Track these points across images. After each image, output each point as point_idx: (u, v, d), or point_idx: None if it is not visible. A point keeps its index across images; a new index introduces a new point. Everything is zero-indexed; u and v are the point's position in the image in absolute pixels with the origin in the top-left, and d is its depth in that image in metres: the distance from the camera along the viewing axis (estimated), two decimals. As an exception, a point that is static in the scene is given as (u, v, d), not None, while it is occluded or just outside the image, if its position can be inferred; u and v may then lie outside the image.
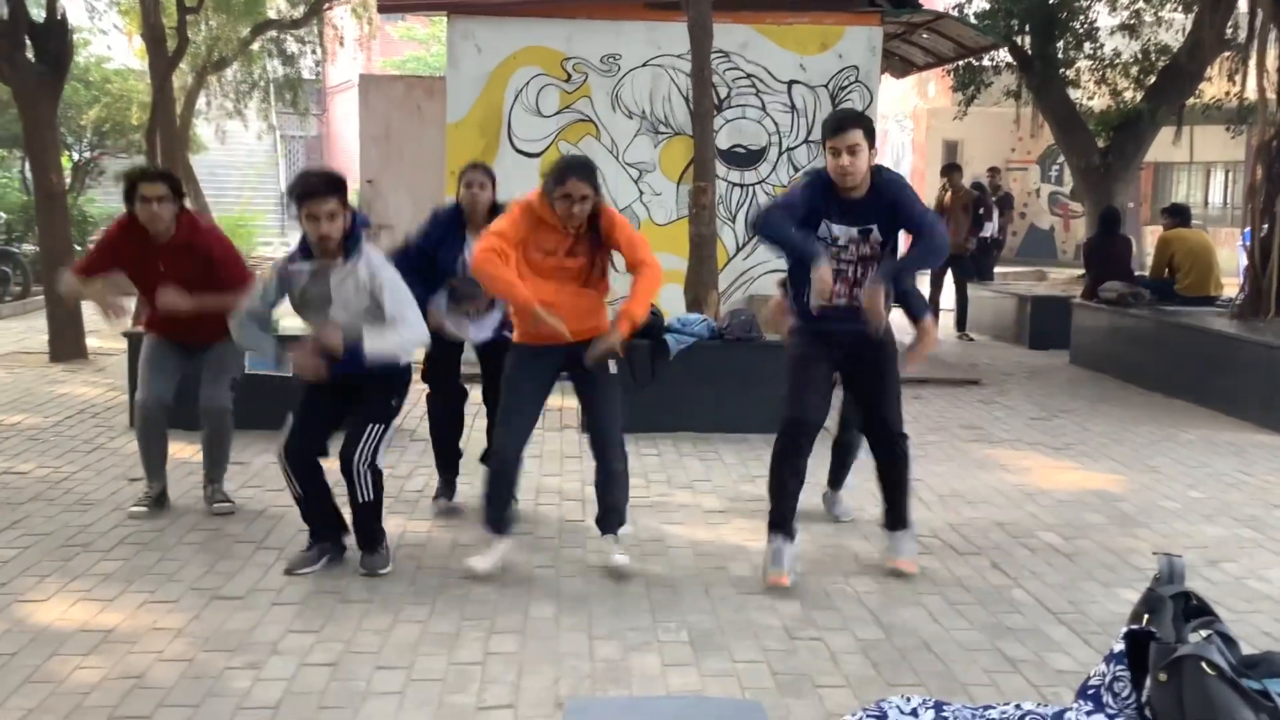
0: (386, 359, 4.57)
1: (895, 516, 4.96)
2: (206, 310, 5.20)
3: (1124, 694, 2.21)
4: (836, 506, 5.68)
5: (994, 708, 2.20)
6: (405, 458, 6.54)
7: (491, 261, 4.52)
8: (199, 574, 4.68)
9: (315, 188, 4.48)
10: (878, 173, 4.66)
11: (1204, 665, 2.11)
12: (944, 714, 2.16)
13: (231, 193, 24.82)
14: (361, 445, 4.64)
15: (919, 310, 4.89)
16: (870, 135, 4.57)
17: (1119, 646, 2.22)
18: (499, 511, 4.77)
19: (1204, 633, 2.17)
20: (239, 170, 28.76)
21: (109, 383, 8.77)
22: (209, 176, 20.98)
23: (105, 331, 10.09)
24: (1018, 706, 2.22)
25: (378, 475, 4.71)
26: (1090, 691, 2.20)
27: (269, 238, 24.27)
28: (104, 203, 18.24)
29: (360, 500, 4.69)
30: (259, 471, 6.27)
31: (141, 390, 5.52)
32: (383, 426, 4.71)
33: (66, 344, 9.86)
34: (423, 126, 10.66)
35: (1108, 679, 2.20)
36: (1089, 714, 2.18)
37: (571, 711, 2.58)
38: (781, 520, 4.72)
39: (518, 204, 4.70)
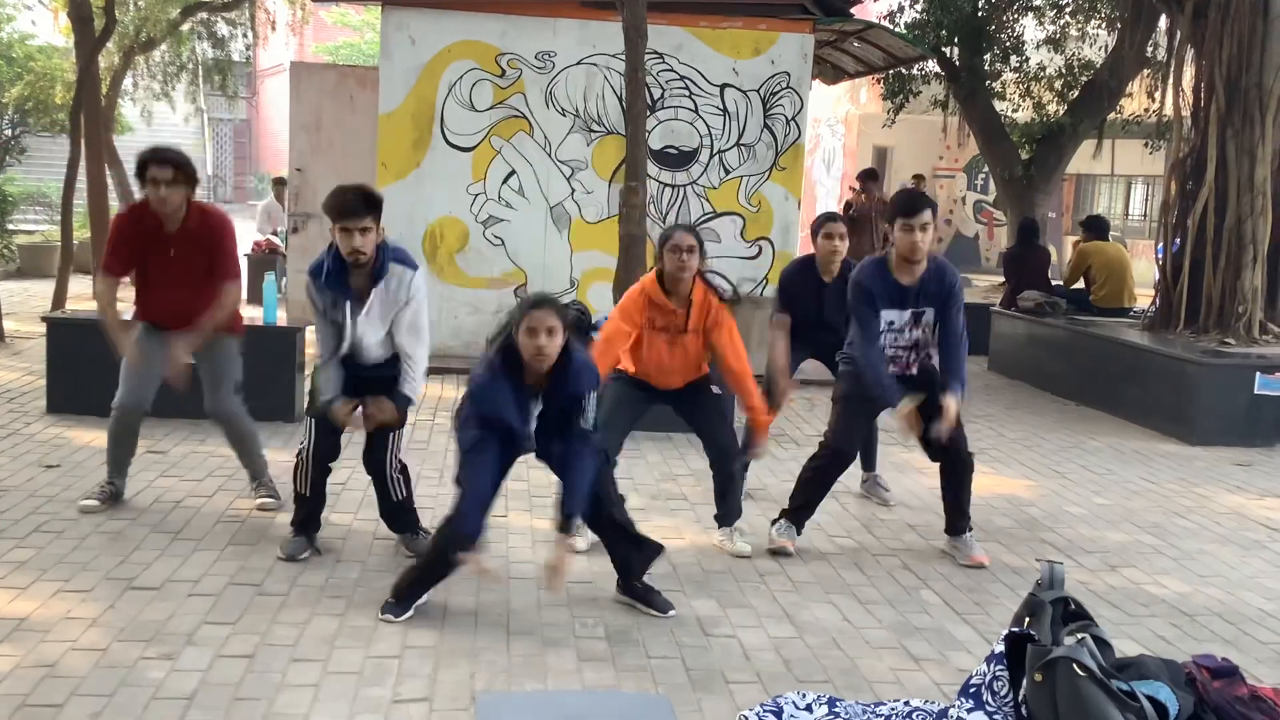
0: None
1: None
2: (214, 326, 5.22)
3: (1003, 692, 2.33)
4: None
5: (884, 704, 2.30)
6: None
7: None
8: (114, 564, 4.65)
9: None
10: (932, 258, 5.00)
11: (1075, 667, 2.23)
12: (836, 710, 2.25)
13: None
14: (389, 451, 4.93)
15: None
16: (935, 215, 4.96)
17: (999, 648, 2.33)
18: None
19: (1078, 636, 2.29)
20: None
21: (25, 367, 8.62)
22: (134, 159, 20.58)
23: (21, 315, 9.90)
24: (906, 704, 2.32)
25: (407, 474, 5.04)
26: (971, 690, 2.31)
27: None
28: (24, 182, 17.83)
29: (395, 499, 4.99)
30: (177, 461, 6.23)
31: (123, 392, 5.31)
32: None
33: (-18, 327, 9.67)
34: (354, 116, 10.58)
35: (988, 678, 2.31)
36: (969, 711, 2.29)
37: (483, 705, 2.64)
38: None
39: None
